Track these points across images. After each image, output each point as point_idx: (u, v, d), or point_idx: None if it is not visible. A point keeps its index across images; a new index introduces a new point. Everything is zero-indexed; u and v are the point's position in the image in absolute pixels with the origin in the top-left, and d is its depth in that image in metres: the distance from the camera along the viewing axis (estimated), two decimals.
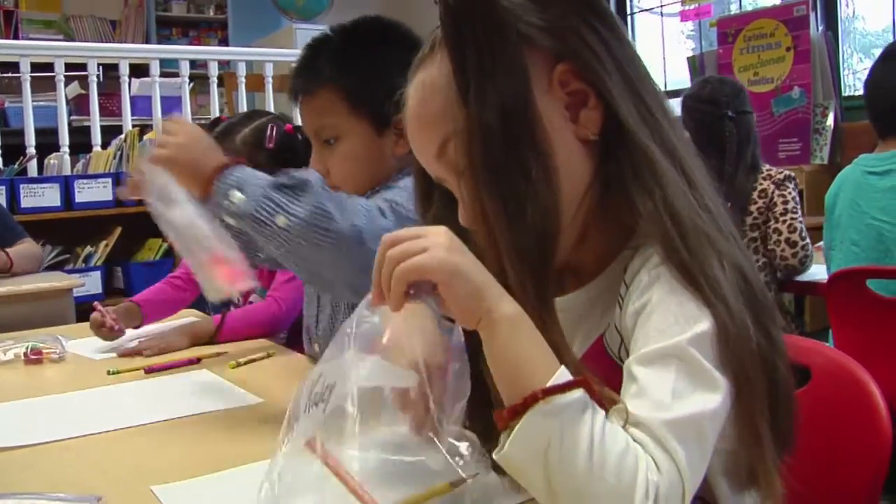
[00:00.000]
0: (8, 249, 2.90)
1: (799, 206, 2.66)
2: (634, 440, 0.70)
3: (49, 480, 1.02)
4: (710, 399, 0.72)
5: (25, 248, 3.01)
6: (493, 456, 0.71)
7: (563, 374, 0.70)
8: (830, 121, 4.21)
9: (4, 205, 3.77)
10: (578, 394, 0.69)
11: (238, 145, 1.94)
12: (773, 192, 2.63)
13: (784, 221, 2.60)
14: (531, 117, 0.78)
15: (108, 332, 1.85)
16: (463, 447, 0.77)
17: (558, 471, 0.68)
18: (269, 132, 1.96)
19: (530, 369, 0.71)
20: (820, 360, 1.06)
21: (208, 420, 1.26)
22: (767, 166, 2.72)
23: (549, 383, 0.69)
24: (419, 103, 0.86)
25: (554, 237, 0.77)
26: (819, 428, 1.02)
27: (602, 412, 0.70)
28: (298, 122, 2.02)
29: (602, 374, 0.74)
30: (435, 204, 0.93)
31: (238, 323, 1.90)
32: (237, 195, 1.15)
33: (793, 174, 2.72)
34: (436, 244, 0.74)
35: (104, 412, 1.33)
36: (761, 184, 2.66)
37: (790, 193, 2.64)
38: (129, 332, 1.89)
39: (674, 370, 0.72)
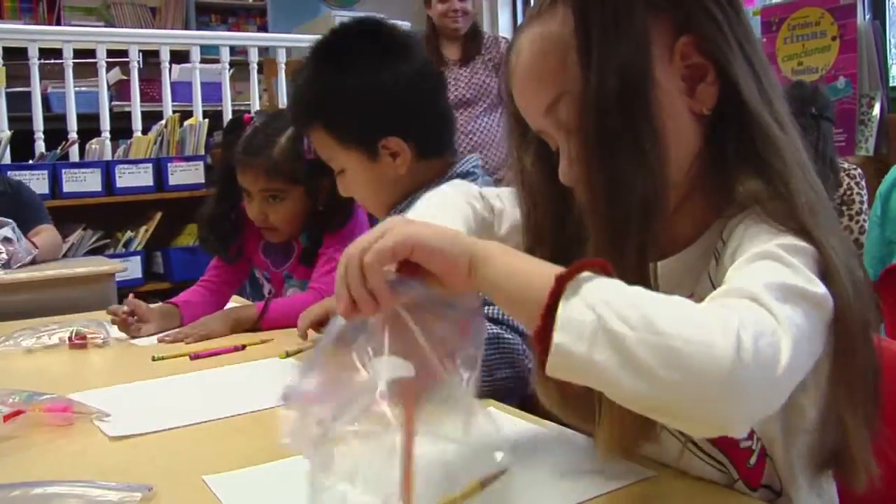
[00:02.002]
0: (33, 238, 2.92)
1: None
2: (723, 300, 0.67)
3: (99, 469, 1.02)
4: (809, 285, 0.68)
5: (48, 236, 3.04)
6: (547, 372, 0.66)
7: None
8: (876, 111, 4.12)
9: (47, 189, 3.82)
10: (602, 272, 0.68)
11: (276, 158, 1.88)
12: (852, 187, 2.66)
13: (857, 222, 2.63)
14: (649, 87, 0.77)
15: (125, 327, 1.85)
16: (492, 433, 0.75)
17: (623, 333, 0.62)
18: (305, 142, 1.91)
19: (541, 277, 0.69)
20: (885, 354, 1.02)
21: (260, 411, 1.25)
22: (840, 160, 2.78)
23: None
24: (536, 56, 0.85)
25: (659, 207, 0.77)
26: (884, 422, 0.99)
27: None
28: None
29: None
30: (530, 156, 0.93)
31: (281, 311, 1.89)
32: None
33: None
34: (389, 228, 0.76)
35: (188, 403, 1.31)
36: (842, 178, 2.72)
37: (865, 192, 2.66)
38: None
39: (767, 264, 0.70)
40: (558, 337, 0.64)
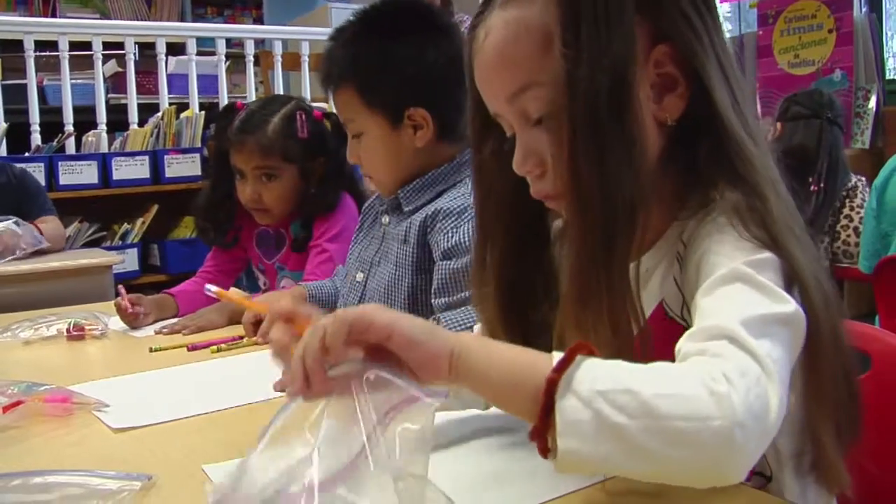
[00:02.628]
0: (40, 225, 2.91)
1: None
2: (690, 354, 0.67)
3: (98, 459, 1.02)
4: (781, 307, 0.69)
5: (53, 227, 3.02)
6: (556, 470, 0.66)
7: (557, 354, 0.67)
8: (872, 104, 4.14)
9: (44, 182, 3.80)
10: (588, 358, 0.66)
11: (271, 135, 1.92)
12: (857, 185, 2.82)
13: (858, 213, 2.73)
14: (637, 86, 0.77)
15: (131, 318, 1.86)
16: None
17: (623, 424, 0.62)
18: (299, 121, 1.95)
19: (527, 369, 0.68)
20: (880, 346, 1.04)
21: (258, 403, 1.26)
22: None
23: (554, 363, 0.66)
24: (507, 40, 0.82)
25: (644, 206, 0.76)
26: (883, 416, 1.00)
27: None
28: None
29: (665, 337, 0.72)
30: (489, 145, 0.92)
31: None
32: None
33: None
34: (367, 310, 0.70)
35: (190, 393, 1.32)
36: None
37: (868, 191, 2.79)
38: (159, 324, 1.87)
39: (738, 288, 0.70)
40: (563, 443, 0.64)
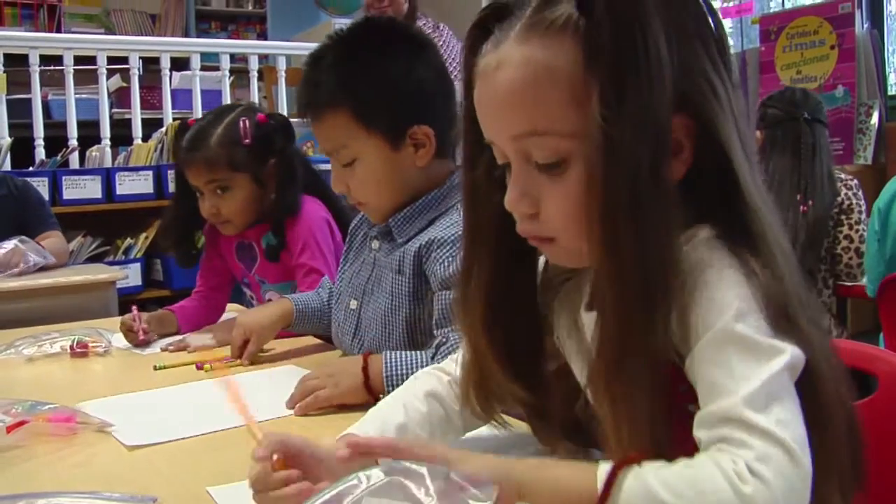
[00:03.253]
0: (41, 243, 2.90)
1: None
2: (714, 442, 0.68)
3: (103, 479, 1.02)
4: (775, 363, 0.69)
5: (56, 242, 3.01)
6: None
7: (601, 472, 0.69)
8: (875, 120, 4.14)
9: (47, 196, 3.80)
10: (629, 476, 0.68)
11: (214, 148, 1.89)
12: (851, 198, 2.70)
13: (857, 231, 2.66)
14: (671, 149, 0.74)
15: (135, 339, 1.85)
16: None
17: None
18: (242, 127, 1.92)
19: (574, 495, 0.71)
20: (886, 367, 1.04)
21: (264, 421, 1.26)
22: (836, 168, 2.83)
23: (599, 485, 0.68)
24: (526, 81, 0.77)
25: (676, 269, 0.73)
26: (891, 438, 1.00)
27: (654, 466, 0.68)
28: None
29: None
30: (482, 165, 0.89)
31: None
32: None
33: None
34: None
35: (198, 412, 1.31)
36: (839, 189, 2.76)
37: (863, 201, 2.69)
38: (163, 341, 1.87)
39: (732, 355, 0.70)
40: None
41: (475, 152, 0.88)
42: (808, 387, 0.72)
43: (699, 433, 0.70)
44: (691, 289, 0.73)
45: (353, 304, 1.55)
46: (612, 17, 0.72)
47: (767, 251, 0.75)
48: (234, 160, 1.90)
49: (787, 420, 0.67)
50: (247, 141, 1.91)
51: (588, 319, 0.86)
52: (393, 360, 1.30)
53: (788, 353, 0.70)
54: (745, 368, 0.69)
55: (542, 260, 0.94)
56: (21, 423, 1.17)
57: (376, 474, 0.68)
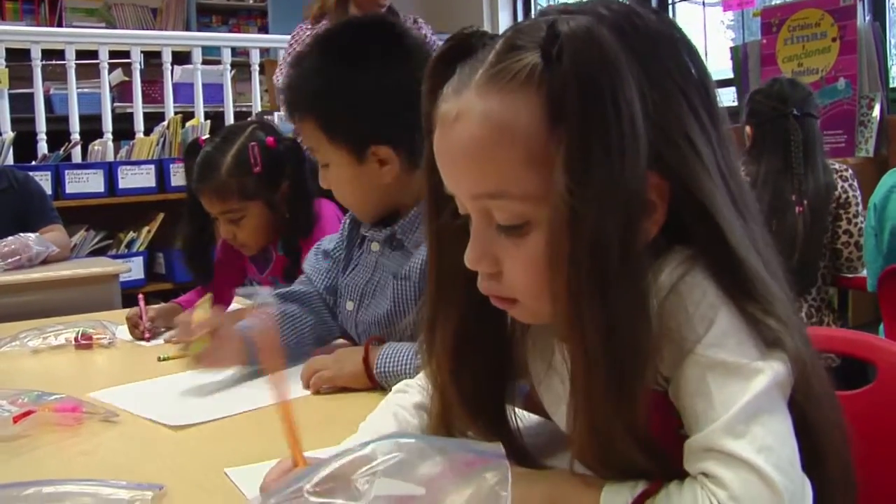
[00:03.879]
0: (44, 235, 2.90)
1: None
2: (697, 475, 0.68)
3: (110, 467, 1.04)
4: (756, 384, 0.68)
5: (57, 236, 3.01)
6: None
7: None
8: (876, 113, 4.13)
9: (50, 190, 3.81)
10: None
11: (225, 178, 1.88)
12: (847, 190, 2.66)
13: (856, 225, 2.63)
14: (644, 219, 0.70)
15: (140, 335, 1.86)
16: None
17: None
18: (251, 155, 1.89)
19: None
20: (886, 356, 1.04)
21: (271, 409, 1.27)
22: (830, 161, 2.76)
23: None
24: (483, 140, 0.72)
25: (650, 340, 0.69)
26: (888, 425, 1.01)
27: (656, 496, 0.69)
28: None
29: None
30: (446, 214, 0.83)
31: None
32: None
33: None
34: None
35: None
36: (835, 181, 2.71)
37: (859, 193, 2.66)
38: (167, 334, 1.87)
39: (711, 382, 0.69)
40: None
41: (439, 199, 0.82)
42: (799, 402, 0.71)
43: (686, 466, 0.70)
44: (668, 313, 0.70)
45: (350, 305, 1.52)
46: (578, 71, 0.66)
47: (764, 302, 0.71)
48: (246, 190, 1.89)
49: (769, 444, 0.66)
50: (257, 169, 1.89)
51: (561, 350, 0.84)
52: (387, 356, 1.30)
53: (771, 371, 0.68)
54: (725, 394, 0.68)
55: None
56: (27, 413, 1.18)
57: (387, 447, 0.66)
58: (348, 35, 1.46)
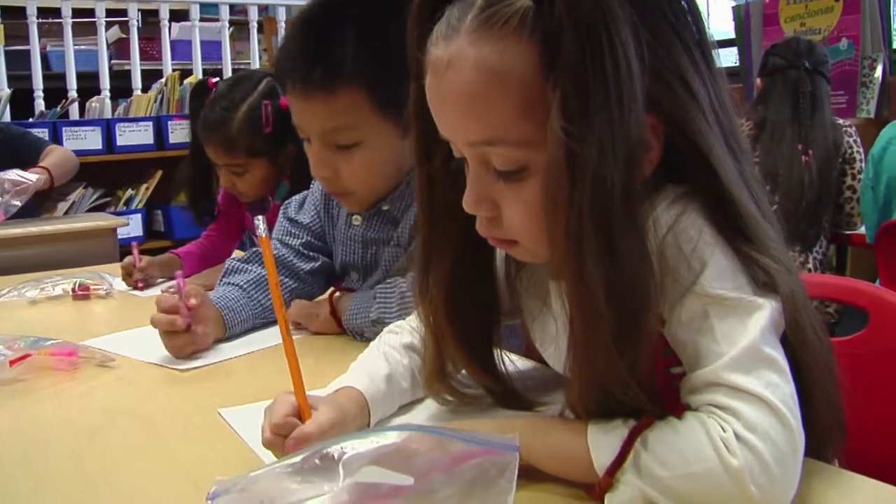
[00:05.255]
0: (43, 164, 2.84)
1: None
2: (703, 407, 0.67)
3: (107, 411, 1.04)
4: (757, 321, 0.68)
5: (57, 155, 2.94)
6: None
7: (604, 451, 0.69)
8: (878, 73, 4.10)
9: None
10: (629, 459, 0.68)
11: (234, 134, 1.85)
12: (851, 146, 2.68)
13: (859, 181, 2.64)
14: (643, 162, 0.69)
15: (133, 283, 1.87)
16: None
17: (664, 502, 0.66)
18: (264, 114, 1.86)
19: (577, 456, 0.71)
20: (878, 302, 1.05)
21: (265, 352, 1.28)
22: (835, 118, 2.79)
23: (606, 463, 0.69)
24: (476, 88, 0.70)
25: (653, 287, 0.68)
26: (880, 372, 1.01)
27: (658, 429, 0.68)
28: None
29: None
30: (438, 159, 0.83)
31: None
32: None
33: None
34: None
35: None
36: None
37: (861, 150, 2.67)
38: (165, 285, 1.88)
39: (713, 318, 0.69)
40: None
41: (429, 144, 0.82)
42: (791, 343, 0.71)
43: (688, 399, 0.70)
44: (665, 252, 0.70)
45: (355, 276, 1.48)
46: (572, 15, 0.64)
47: (756, 241, 0.72)
48: (253, 148, 1.87)
49: (775, 381, 0.66)
50: (268, 129, 1.86)
51: (558, 289, 0.84)
52: (350, 310, 1.31)
53: (769, 308, 0.69)
54: (728, 330, 0.68)
55: None
56: (24, 357, 1.18)
57: (392, 436, 0.66)
58: None
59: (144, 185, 4.33)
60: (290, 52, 1.27)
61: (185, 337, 1.26)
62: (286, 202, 1.57)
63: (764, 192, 0.77)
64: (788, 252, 0.77)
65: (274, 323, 1.38)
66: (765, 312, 0.68)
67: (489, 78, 0.69)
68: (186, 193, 2.14)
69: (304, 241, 1.49)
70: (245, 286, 1.42)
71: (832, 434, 0.79)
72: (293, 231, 1.50)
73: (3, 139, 3.00)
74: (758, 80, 2.88)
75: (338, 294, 1.37)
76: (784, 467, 0.64)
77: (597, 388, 0.71)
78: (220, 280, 1.47)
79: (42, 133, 3.86)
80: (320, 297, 1.45)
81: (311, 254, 1.49)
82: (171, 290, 1.79)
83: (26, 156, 2.91)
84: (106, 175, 4.19)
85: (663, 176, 0.74)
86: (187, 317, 1.26)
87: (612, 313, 0.66)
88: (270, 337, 1.34)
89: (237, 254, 2.16)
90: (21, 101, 4.24)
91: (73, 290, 1.78)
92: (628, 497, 0.67)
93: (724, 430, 0.64)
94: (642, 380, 0.69)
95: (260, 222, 0.80)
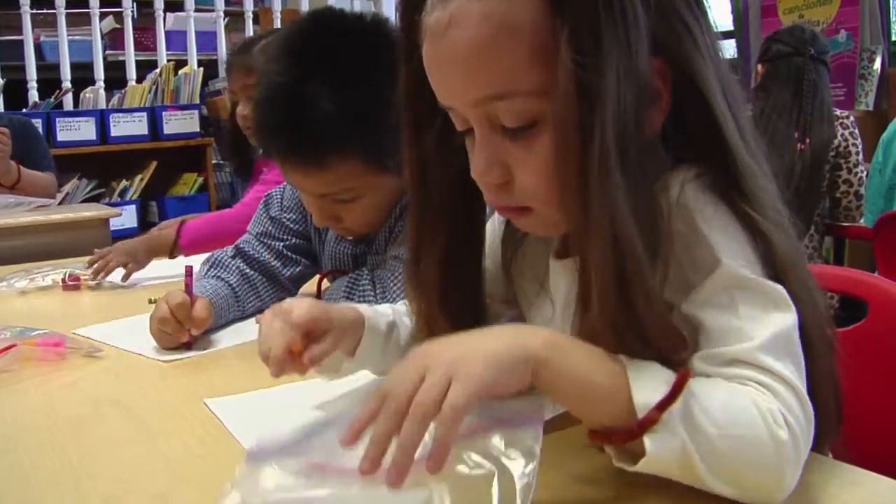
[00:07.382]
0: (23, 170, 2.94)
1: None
2: (737, 379, 0.66)
3: (92, 401, 1.02)
4: (785, 317, 0.67)
5: (40, 175, 3.05)
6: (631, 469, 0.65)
7: (647, 388, 0.64)
8: (877, 66, 4.10)
9: None
10: (679, 402, 0.63)
11: (258, 56, 1.96)
12: (847, 138, 2.67)
13: (856, 174, 2.65)
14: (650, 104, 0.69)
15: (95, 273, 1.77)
16: None
17: (701, 459, 0.63)
18: None
19: (609, 387, 0.65)
20: (877, 292, 1.03)
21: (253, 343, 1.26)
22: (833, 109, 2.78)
23: (655, 399, 0.63)
24: (483, 41, 0.69)
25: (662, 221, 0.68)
26: (878, 362, 1.00)
27: (703, 384, 0.65)
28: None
29: None
30: (433, 134, 0.81)
31: (202, 232, 1.85)
32: None
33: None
34: (456, 368, 0.62)
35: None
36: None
37: (860, 142, 2.66)
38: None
39: (736, 298, 0.68)
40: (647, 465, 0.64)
41: (421, 123, 0.80)
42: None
43: (704, 367, 0.67)
44: (679, 234, 0.69)
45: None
46: None
47: (754, 199, 0.71)
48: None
49: (800, 374, 0.66)
50: None
51: (559, 268, 0.84)
52: (331, 294, 1.30)
53: (794, 310, 0.68)
54: (756, 312, 0.67)
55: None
56: (10, 347, 1.17)
57: None
58: (348, 47, 1.19)
59: (139, 177, 4.31)
60: (270, 120, 1.21)
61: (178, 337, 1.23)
62: (267, 194, 1.51)
63: (760, 145, 0.76)
64: (786, 211, 0.76)
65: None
66: (793, 314, 0.68)
67: (496, 28, 0.68)
68: (227, 144, 2.32)
69: (287, 243, 1.45)
70: (235, 285, 1.40)
71: (828, 422, 0.77)
72: (275, 233, 1.45)
73: (24, 135, 3.03)
74: (758, 67, 2.87)
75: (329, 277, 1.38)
76: (802, 456, 0.64)
77: (631, 334, 0.67)
78: (207, 272, 1.43)
79: (36, 123, 3.84)
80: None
81: (294, 257, 1.45)
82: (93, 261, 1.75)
83: (26, 162, 2.96)
84: (100, 166, 4.18)
85: (674, 152, 0.73)
86: (190, 339, 1.22)
87: (644, 249, 0.65)
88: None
89: None
90: (15, 91, 4.22)
91: (64, 280, 1.76)
92: (670, 446, 0.63)
93: (773, 410, 0.63)
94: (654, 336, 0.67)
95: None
